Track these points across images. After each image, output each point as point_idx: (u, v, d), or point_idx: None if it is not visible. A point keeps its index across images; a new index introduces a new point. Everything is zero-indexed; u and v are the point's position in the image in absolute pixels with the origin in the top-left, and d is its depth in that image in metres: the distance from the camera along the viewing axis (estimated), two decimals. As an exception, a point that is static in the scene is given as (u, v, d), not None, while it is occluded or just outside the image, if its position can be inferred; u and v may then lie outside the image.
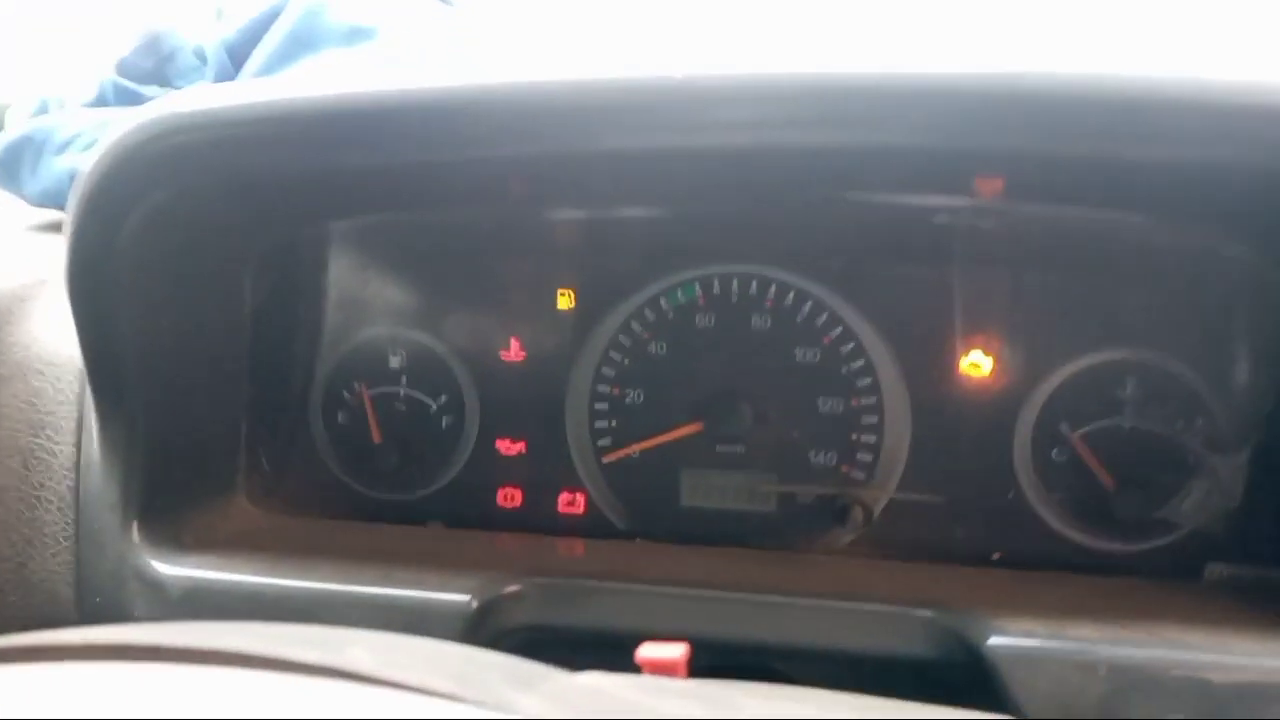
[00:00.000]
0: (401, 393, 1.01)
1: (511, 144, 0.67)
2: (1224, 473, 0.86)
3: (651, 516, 0.98)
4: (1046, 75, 0.61)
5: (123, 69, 1.01)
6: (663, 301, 0.97)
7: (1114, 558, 0.91)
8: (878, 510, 0.93)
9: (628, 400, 0.98)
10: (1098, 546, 0.91)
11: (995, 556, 0.91)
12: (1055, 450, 0.92)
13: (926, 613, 0.77)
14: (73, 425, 0.84)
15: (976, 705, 0.57)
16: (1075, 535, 0.91)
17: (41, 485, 0.84)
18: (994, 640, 0.72)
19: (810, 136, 0.65)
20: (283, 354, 0.98)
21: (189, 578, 0.80)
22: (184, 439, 0.87)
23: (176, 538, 0.83)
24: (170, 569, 0.80)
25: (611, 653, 0.60)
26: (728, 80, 0.63)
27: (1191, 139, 0.63)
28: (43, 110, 1.02)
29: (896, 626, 0.78)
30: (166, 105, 0.68)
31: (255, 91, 0.67)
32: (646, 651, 0.56)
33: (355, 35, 0.96)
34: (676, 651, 0.56)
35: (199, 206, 0.74)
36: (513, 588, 0.78)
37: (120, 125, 0.68)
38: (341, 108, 0.67)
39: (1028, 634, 0.72)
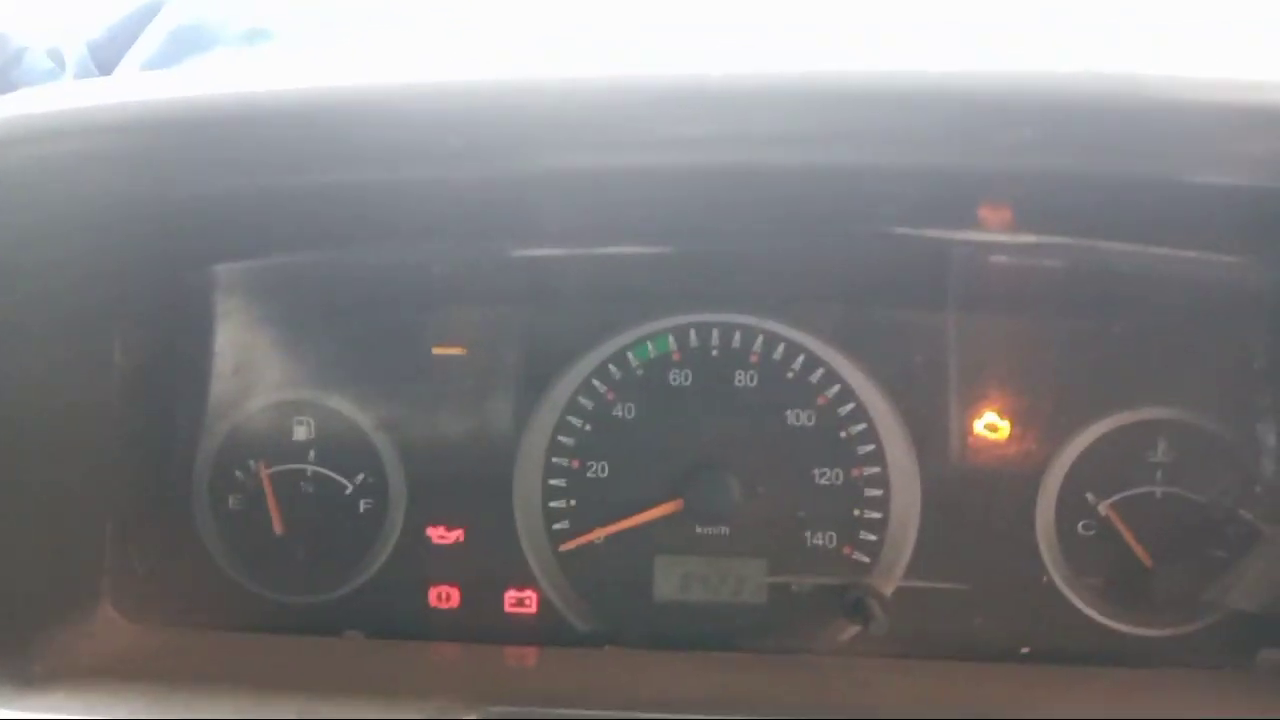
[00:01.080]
0: (309, 471, 0.84)
1: (447, 159, 0.52)
2: (1277, 545, 0.77)
3: (620, 616, 0.82)
4: (1065, 77, 0.50)
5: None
6: (630, 356, 0.83)
7: (1152, 644, 0.80)
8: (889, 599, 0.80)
9: (589, 474, 0.83)
10: (1134, 632, 0.80)
11: (1024, 650, 0.79)
12: (1082, 523, 0.81)
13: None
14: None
15: None
16: (1109, 621, 0.80)
17: None
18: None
19: (802, 152, 0.52)
20: (161, 428, 0.80)
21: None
22: (32, 541, 0.70)
23: (22, 669, 0.66)
24: (14, 712, 0.63)
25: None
26: (709, 83, 0.49)
27: (1220, 158, 0.53)
28: None
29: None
30: (10, 106, 0.51)
31: (130, 88, 0.50)
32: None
33: (253, 36, 0.79)
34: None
35: (54, 244, 0.56)
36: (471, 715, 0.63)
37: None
38: (245, 109, 0.50)
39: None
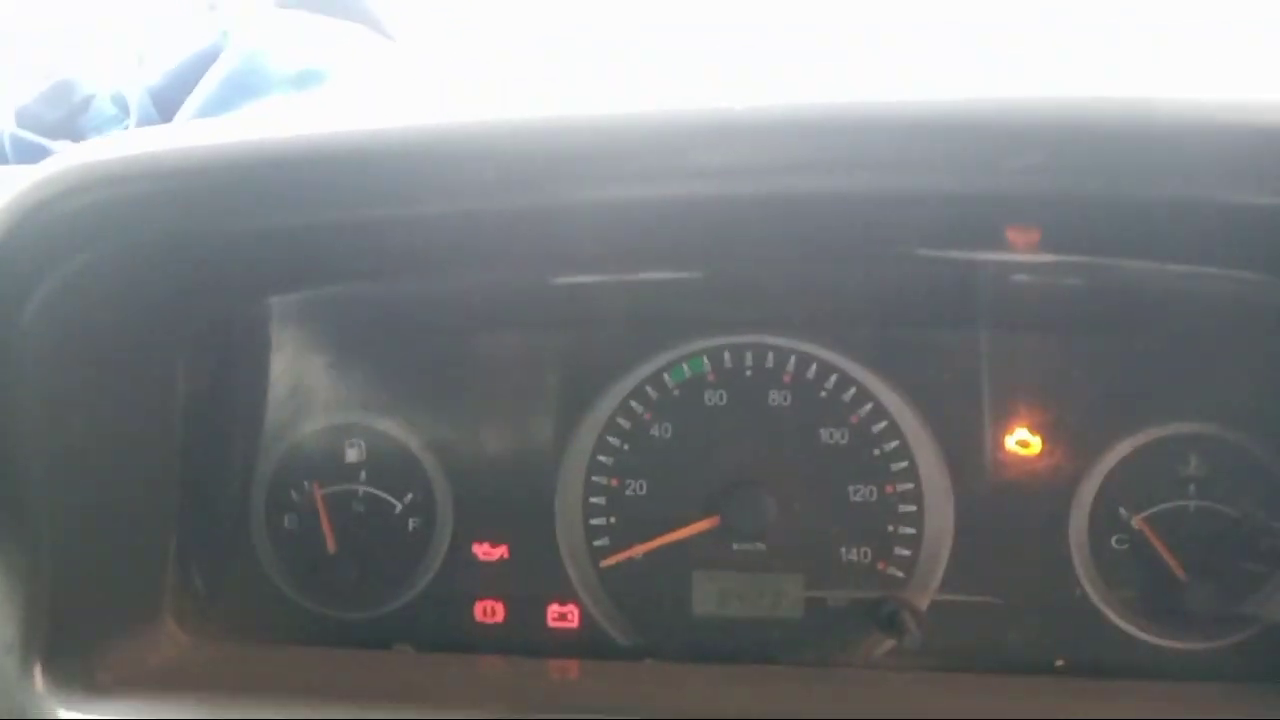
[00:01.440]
0: (360, 491, 0.87)
1: (485, 193, 0.55)
2: (1312, 558, 0.77)
3: (659, 630, 0.84)
4: (1075, 104, 0.51)
5: (24, 119, 0.86)
6: (666, 378, 0.85)
7: (1187, 658, 0.80)
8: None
9: (628, 493, 0.85)
10: (1170, 646, 0.81)
11: (1058, 663, 0.80)
12: (1115, 538, 0.81)
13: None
14: (-44, 551, 0.68)
15: None
16: (1144, 635, 0.81)
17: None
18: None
19: (822, 179, 0.54)
20: (219, 451, 0.83)
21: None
22: (99, 558, 0.72)
23: (90, 678, 0.69)
24: (82, 714, 0.66)
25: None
26: (749, 116, 0.52)
27: (1236, 179, 0.54)
28: (-74, 168, 0.86)
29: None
30: (79, 154, 0.55)
31: (195, 134, 0.54)
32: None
33: (305, 79, 0.83)
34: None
35: (121, 278, 0.60)
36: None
37: (21, 181, 0.54)
38: (295, 151, 0.53)
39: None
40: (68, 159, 0.54)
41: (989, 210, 0.56)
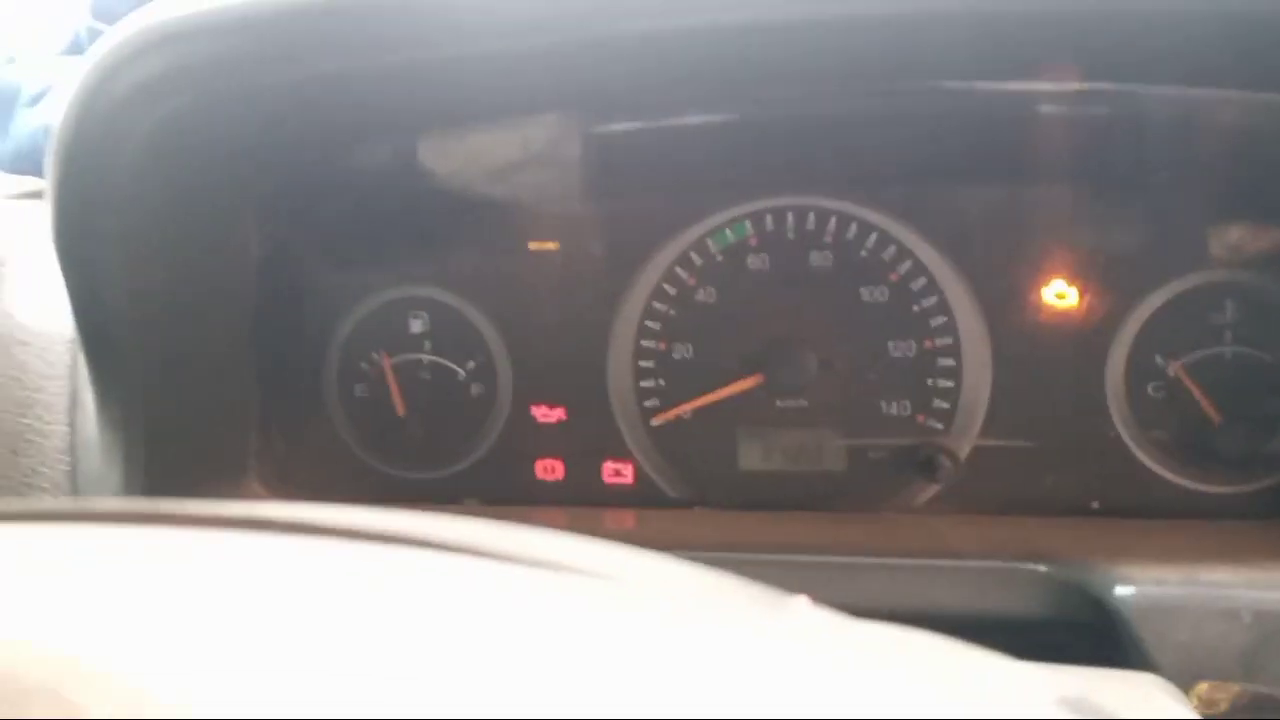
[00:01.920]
0: (425, 360, 0.92)
1: (542, 30, 0.57)
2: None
3: (708, 483, 0.89)
4: None
5: (98, 12, 0.91)
6: (710, 243, 0.88)
7: (1221, 500, 0.83)
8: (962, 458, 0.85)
9: (676, 355, 0.89)
10: (1203, 489, 0.83)
11: (1094, 505, 0.83)
12: (1151, 386, 0.84)
13: (1040, 566, 0.69)
14: (65, 402, 0.75)
15: (1102, 663, 0.49)
16: (1177, 478, 0.83)
17: (33, 471, 0.74)
18: (1121, 590, 0.65)
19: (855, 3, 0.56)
20: (292, 317, 0.89)
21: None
22: (189, 414, 0.79)
23: None
24: None
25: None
26: None
27: None
28: (10, 62, 0.92)
29: (1007, 583, 0.70)
30: (159, 9, 0.59)
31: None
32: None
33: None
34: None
35: (201, 133, 0.65)
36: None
37: (107, 38, 0.59)
38: None
39: (1158, 582, 0.65)
40: (146, 17, 0.58)
41: (1018, 30, 0.58)
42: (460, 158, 0.83)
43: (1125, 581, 0.65)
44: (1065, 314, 0.84)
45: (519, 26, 0.55)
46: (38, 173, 0.70)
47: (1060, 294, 0.84)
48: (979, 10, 0.54)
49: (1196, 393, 0.82)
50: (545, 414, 0.91)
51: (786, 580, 0.70)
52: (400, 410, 0.92)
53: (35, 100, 0.84)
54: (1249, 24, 0.56)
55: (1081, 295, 0.84)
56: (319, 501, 0.87)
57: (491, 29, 0.55)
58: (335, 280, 0.91)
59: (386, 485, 0.92)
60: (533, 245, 0.91)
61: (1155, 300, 0.83)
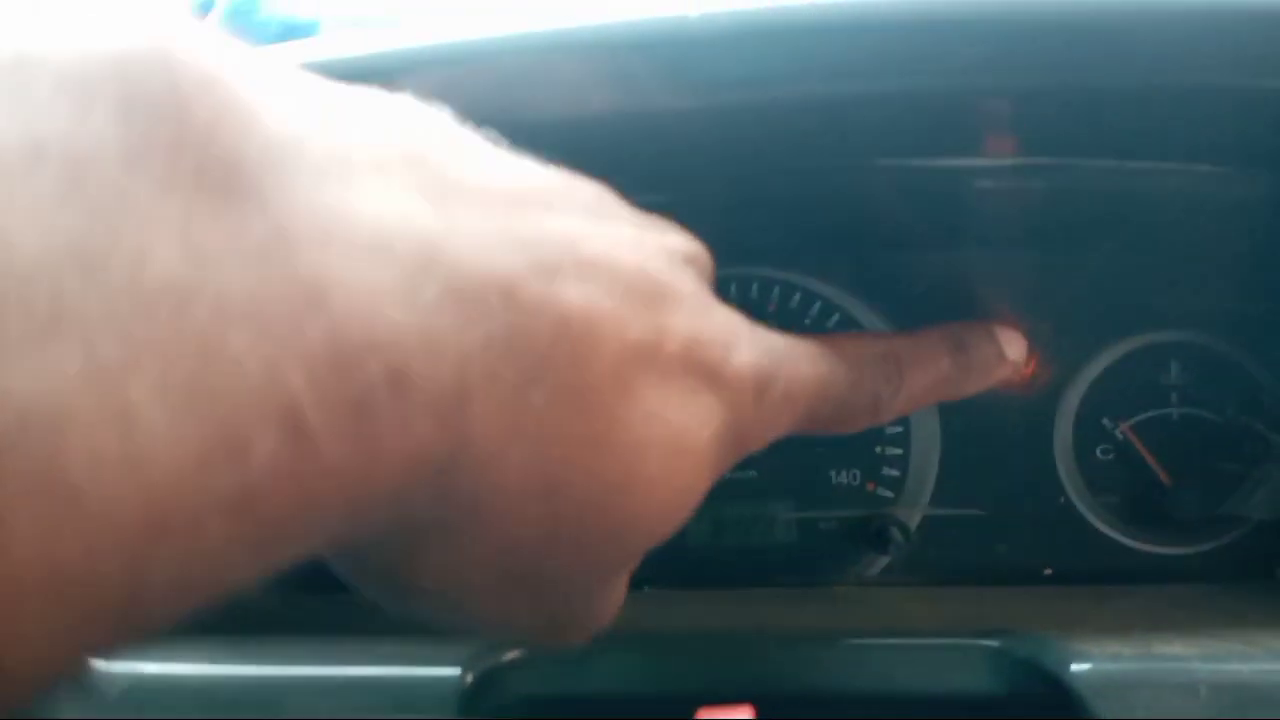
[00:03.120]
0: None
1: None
2: (1288, 455, 0.79)
3: (654, 561, 0.85)
4: None
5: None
6: (653, 315, 0.87)
7: (1174, 562, 0.82)
8: (913, 529, 0.83)
9: (621, 429, 0.87)
10: (1153, 551, 0.82)
11: (1046, 572, 0.82)
12: (1100, 448, 0.83)
13: (992, 642, 0.68)
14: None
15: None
16: (1129, 541, 0.83)
17: None
18: (1076, 667, 0.63)
19: (777, 89, 0.55)
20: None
21: (127, 673, 0.67)
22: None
23: None
24: (103, 663, 0.66)
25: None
26: (700, 24, 0.53)
27: (1205, 63, 0.54)
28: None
29: (961, 659, 0.68)
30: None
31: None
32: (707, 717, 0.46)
33: (291, 31, 0.84)
34: (743, 715, 0.45)
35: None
36: (511, 654, 0.68)
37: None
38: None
39: (1113, 657, 0.64)
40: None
41: (948, 113, 0.58)
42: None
43: (1080, 657, 0.64)
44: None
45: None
46: None
47: (1005, 358, 0.84)
48: (920, 91, 0.53)
49: (1145, 454, 0.82)
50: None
51: (735, 664, 0.69)
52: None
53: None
54: (1185, 101, 0.56)
55: (1027, 359, 0.83)
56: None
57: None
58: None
59: (315, 568, 0.88)
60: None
61: (1100, 363, 0.83)
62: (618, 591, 0.46)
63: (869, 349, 0.55)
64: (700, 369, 0.37)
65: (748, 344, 0.41)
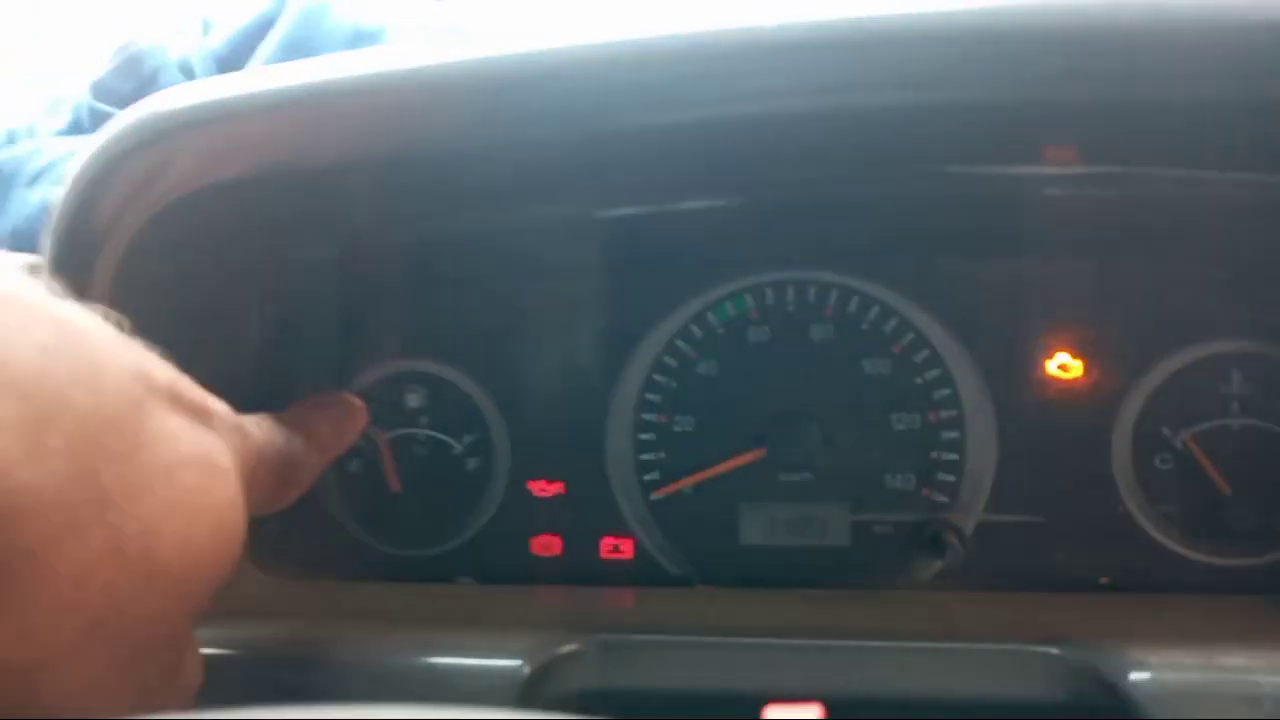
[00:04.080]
0: (421, 435, 0.91)
1: (552, 122, 0.57)
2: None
3: (709, 559, 0.87)
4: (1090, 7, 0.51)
5: (99, 92, 0.91)
6: (710, 316, 0.88)
7: (1230, 574, 0.81)
8: (969, 534, 0.83)
9: (676, 429, 0.88)
10: (1212, 562, 0.82)
11: (1103, 580, 0.82)
12: (1158, 458, 0.82)
13: (1051, 649, 0.67)
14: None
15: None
16: (1187, 551, 0.82)
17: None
18: (1136, 675, 0.63)
19: (846, 97, 0.56)
20: (288, 396, 0.88)
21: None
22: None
23: None
24: None
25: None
26: (762, 35, 0.53)
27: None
28: (10, 141, 0.92)
29: (1018, 666, 0.68)
30: (162, 100, 0.59)
31: (269, 77, 0.58)
32: (775, 714, 0.46)
33: (359, 38, 0.87)
34: (812, 714, 0.46)
35: (203, 221, 0.64)
36: (569, 647, 0.68)
37: (106, 129, 0.58)
38: (369, 84, 0.57)
39: (1175, 666, 0.63)
40: (148, 107, 0.58)
41: (1016, 121, 0.58)
42: (463, 236, 0.82)
43: (1140, 666, 0.63)
44: (1070, 386, 0.84)
45: (527, 117, 0.54)
46: (35, 250, 0.70)
47: (1064, 366, 0.83)
48: (987, 101, 0.54)
49: (1206, 464, 0.81)
50: (543, 489, 0.90)
51: (793, 665, 0.69)
52: (395, 486, 0.90)
53: (34, 180, 0.84)
54: (1251, 112, 0.56)
55: (1086, 367, 0.83)
56: (314, 578, 0.86)
57: (498, 125, 0.54)
58: (333, 356, 0.90)
59: (380, 563, 0.90)
60: (533, 319, 0.90)
61: (1161, 372, 0.82)
62: (196, 650, 0.51)
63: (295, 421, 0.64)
64: (192, 406, 0.46)
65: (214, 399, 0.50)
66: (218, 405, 0.50)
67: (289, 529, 0.88)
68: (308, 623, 0.74)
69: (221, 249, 0.71)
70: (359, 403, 0.74)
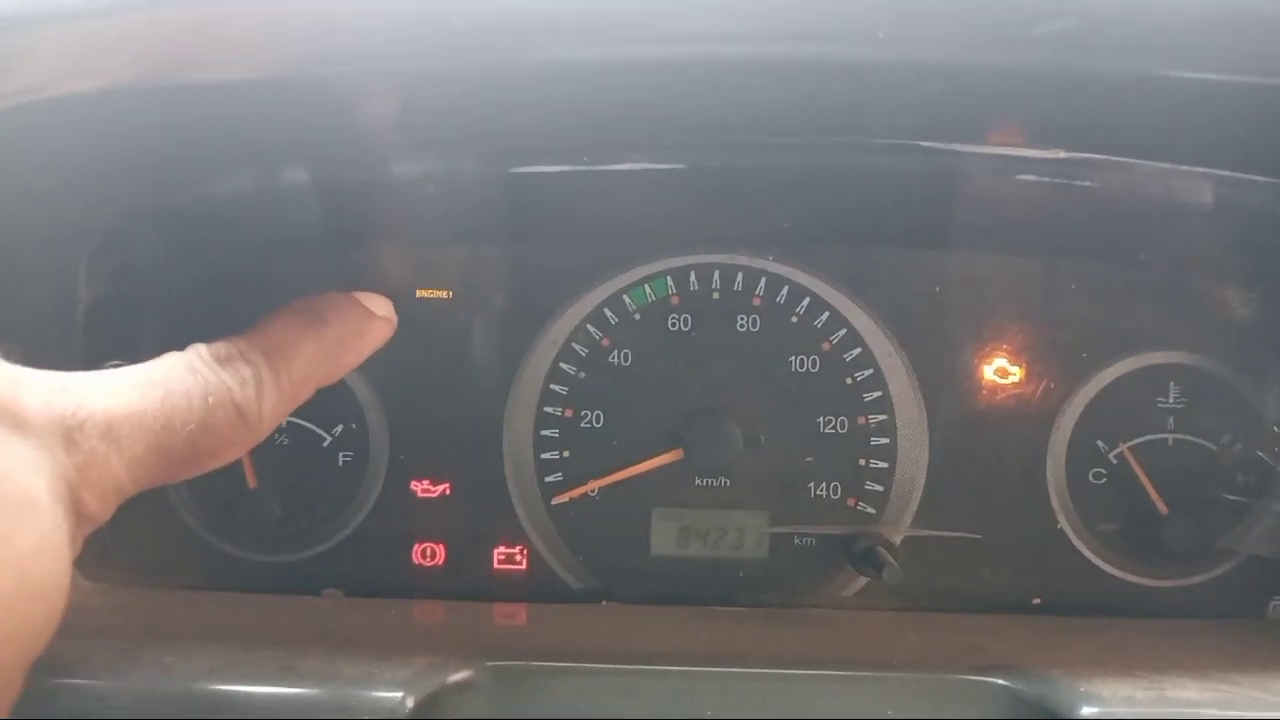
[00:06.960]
0: (284, 423, 0.78)
1: (462, 51, 0.47)
2: (1293, 490, 0.75)
3: (614, 572, 0.78)
4: None
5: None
6: (626, 299, 0.79)
7: (1163, 596, 0.78)
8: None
9: (583, 424, 0.79)
10: (1147, 584, 0.78)
11: (1035, 601, 0.77)
12: (1093, 472, 0.78)
13: (998, 679, 0.61)
14: None
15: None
16: (1121, 573, 0.78)
17: None
18: (1089, 711, 0.58)
19: (810, 45, 0.48)
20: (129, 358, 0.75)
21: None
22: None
23: None
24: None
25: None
26: None
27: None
28: None
29: (960, 696, 0.61)
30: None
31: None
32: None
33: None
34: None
35: (35, 149, 0.52)
36: (458, 675, 0.59)
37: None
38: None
39: (1127, 701, 0.58)
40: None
41: (962, 90, 0.51)
42: (339, 191, 0.70)
43: (1091, 700, 0.58)
44: (1006, 393, 0.78)
45: (415, 48, 0.44)
46: None
47: (1001, 371, 0.78)
48: (936, 66, 0.46)
49: (1143, 480, 0.77)
50: (426, 489, 0.79)
51: (710, 695, 0.62)
52: (251, 481, 0.78)
53: None
54: (1196, 98, 0.51)
55: (1023, 373, 0.78)
56: (151, 586, 0.73)
57: (402, 49, 0.44)
58: (174, 324, 0.77)
59: (233, 571, 0.78)
60: (420, 293, 0.79)
61: (1099, 381, 0.78)
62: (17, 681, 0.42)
63: (208, 358, 0.50)
64: None
65: (34, 383, 0.40)
66: (31, 402, 0.39)
67: (122, 531, 0.75)
68: (138, 639, 0.62)
69: (52, 196, 0.58)
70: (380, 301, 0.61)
